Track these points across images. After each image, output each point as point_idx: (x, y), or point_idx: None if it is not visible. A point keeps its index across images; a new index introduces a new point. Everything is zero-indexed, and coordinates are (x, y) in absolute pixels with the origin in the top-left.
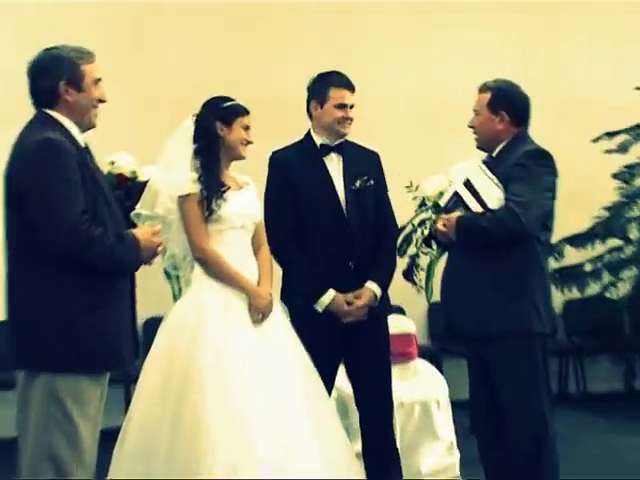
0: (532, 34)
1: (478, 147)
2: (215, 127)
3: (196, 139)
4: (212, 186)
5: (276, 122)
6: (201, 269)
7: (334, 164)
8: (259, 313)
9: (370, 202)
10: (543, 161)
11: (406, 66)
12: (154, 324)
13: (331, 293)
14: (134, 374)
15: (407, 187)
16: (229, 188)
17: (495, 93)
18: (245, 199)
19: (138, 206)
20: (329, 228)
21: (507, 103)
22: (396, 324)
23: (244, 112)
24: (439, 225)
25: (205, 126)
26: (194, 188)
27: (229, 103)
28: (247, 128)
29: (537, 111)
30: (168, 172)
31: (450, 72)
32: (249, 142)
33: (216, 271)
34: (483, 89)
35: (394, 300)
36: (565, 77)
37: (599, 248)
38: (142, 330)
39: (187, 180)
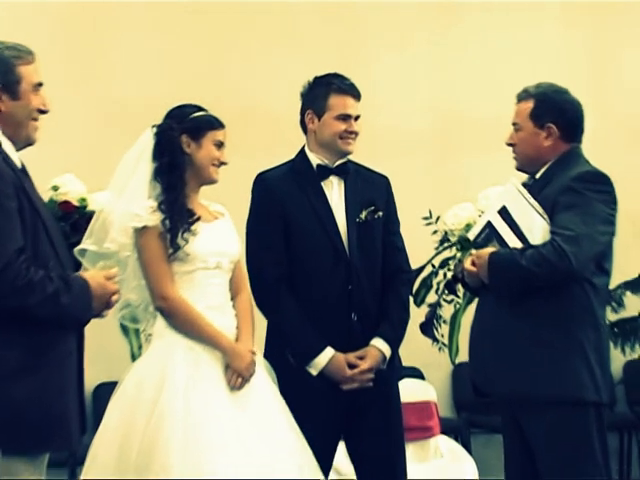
0: (578, 30)
1: (519, 168)
2: (180, 142)
3: (156, 156)
4: (177, 215)
5: (262, 138)
6: (164, 321)
7: (334, 190)
8: (238, 376)
9: (378, 238)
10: (599, 186)
11: (421, 70)
12: (107, 390)
13: (329, 352)
14: (81, 454)
15: (425, 219)
16: (199, 218)
17: (540, 101)
18: (220, 232)
19: (84, 240)
20: (327, 270)
21: (555, 113)
22: (412, 391)
23: (217, 125)
24: (467, 264)
25: (168, 140)
26: (154, 219)
27: (199, 113)
28: (220, 145)
29: (589, 124)
30: (121, 198)
31: (476, 77)
32: (222, 163)
33: (183, 323)
34: (524, 97)
35: (410, 361)
36: (620, 82)
37: None
38: (91, 398)
39: (145, 208)
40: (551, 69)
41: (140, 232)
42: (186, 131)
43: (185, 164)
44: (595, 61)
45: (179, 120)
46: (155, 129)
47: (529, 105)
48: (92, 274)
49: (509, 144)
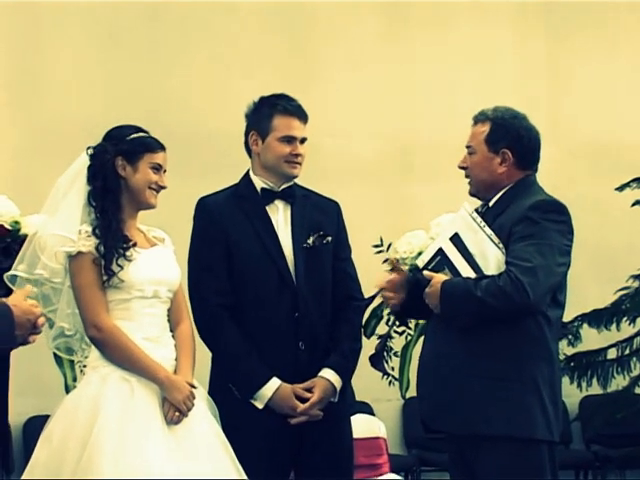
0: (534, 50)
1: (472, 194)
2: (115, 164)
3: (90, 180)
4: (111, 241)
5: (208, 160)
6: (97, 352)
7: (280, 215)
8: (176, 410)
9: (327, 264)
10: (556, 216)
11: (375, 92)
12: (39, 425)
13: (275, 383)
14: None
15: (375, 246)
16: (135, 244)
17: (496, 125)
18: (158, 259)
19: (15, 265)
20: (272, 297)
21: (511, 139)
22: (360, 426)
23: (155, 147)
24: (387, 293)
25: (101, 163)
26: (88, 244)
27: (136, 135)
28: (159, 168)
29: (547, 152)
30: (54, 222)
31: (430, 102)
32: (161, 187)
33: (117, 355)
34: (480, 120)
35: (359, 395)
36: (578, 107)
37: (627, 329)
38: (22, 433)
39: (79, 233)
40: (509, 95)
41: (73, 258)
42: (121, 153)
43: (120, 188)
44: (554, 89)
45: (115, 142)
46: (90, 151)
47: (485, 128)
48: (14, 298)
49: (461, 167)
